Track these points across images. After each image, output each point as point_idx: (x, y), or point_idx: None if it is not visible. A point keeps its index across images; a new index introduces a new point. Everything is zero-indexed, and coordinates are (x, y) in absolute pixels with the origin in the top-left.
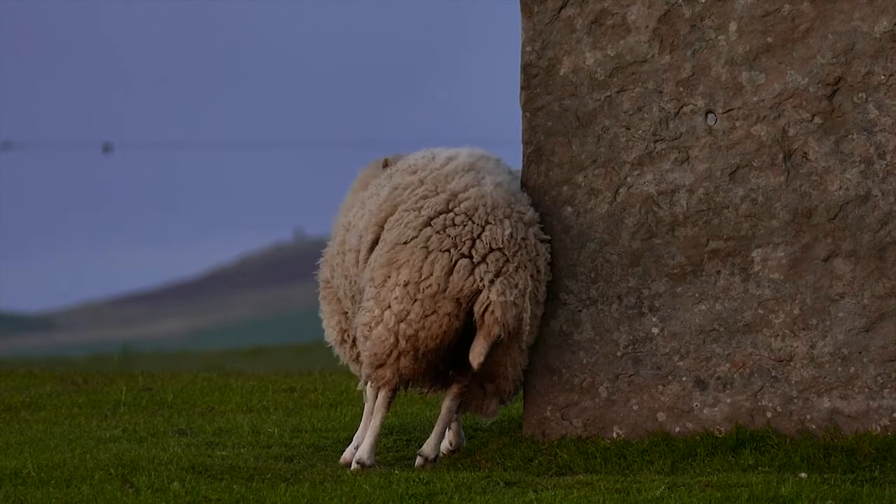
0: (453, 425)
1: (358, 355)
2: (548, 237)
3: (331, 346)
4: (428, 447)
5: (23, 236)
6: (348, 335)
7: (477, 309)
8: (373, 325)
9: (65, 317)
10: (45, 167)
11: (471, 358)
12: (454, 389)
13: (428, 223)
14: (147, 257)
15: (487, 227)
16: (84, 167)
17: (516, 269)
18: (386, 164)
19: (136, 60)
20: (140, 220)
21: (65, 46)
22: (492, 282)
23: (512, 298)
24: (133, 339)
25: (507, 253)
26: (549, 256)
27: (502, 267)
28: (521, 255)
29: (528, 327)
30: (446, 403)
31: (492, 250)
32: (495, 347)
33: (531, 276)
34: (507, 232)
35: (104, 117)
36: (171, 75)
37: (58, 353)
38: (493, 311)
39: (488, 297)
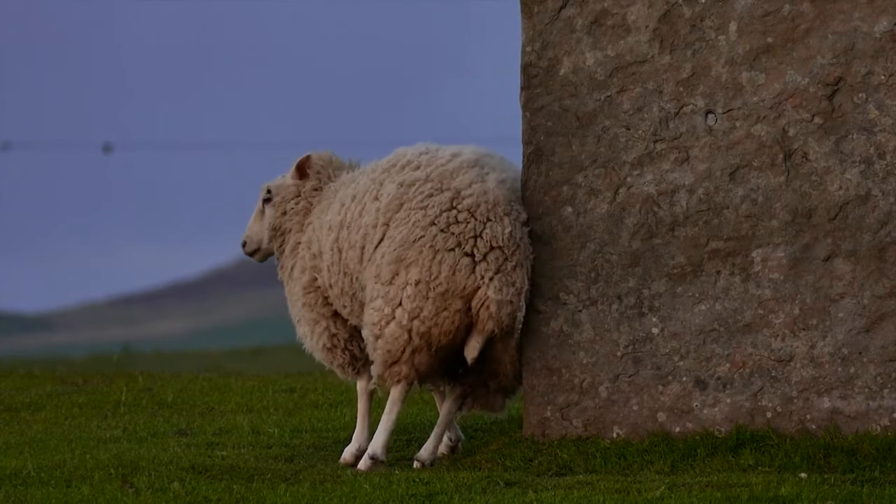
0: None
1: (350, 359)
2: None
3: (310, 352)
4: (425, 452)
5: (23, 236)
6: (338, 339)
7: (474, 304)
8: (384, 323)
9: (65, 317)
10: (45, 167)
11: (466, 352)
12: (457, 391)
13: (433, 222)
14: (147, 257)
15: (488, 225)
16: (84, 167)
17: (514, 267)
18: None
19: (137, 61)
20: (140, 221)
21: (65, 46)
22: (491, 279)
23: (508, 297)
24: (133, 339)
25: (506, 251)
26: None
27: (501, 265)
28: (519, 254)
29: (521, 325)
30: (447, 405)
31: (492, 248)
32: (494, 345)
33: (526, 275)
34: (508, 230)
35: (104, 117)
36: (171, 76)
37: (58, 353)
38: (488, 307)
39: (486, 294)
